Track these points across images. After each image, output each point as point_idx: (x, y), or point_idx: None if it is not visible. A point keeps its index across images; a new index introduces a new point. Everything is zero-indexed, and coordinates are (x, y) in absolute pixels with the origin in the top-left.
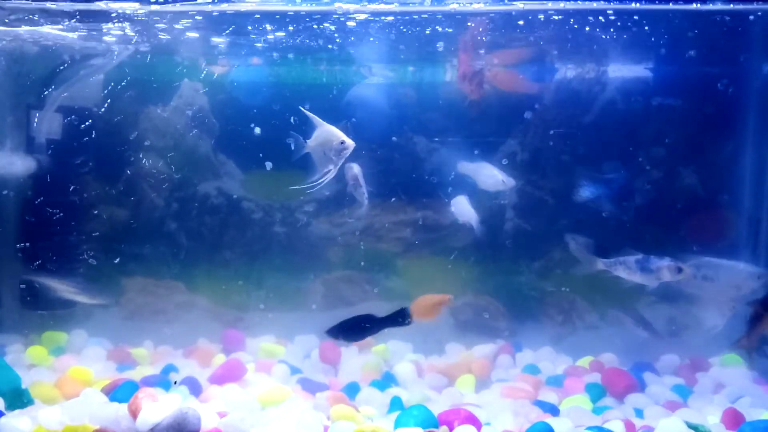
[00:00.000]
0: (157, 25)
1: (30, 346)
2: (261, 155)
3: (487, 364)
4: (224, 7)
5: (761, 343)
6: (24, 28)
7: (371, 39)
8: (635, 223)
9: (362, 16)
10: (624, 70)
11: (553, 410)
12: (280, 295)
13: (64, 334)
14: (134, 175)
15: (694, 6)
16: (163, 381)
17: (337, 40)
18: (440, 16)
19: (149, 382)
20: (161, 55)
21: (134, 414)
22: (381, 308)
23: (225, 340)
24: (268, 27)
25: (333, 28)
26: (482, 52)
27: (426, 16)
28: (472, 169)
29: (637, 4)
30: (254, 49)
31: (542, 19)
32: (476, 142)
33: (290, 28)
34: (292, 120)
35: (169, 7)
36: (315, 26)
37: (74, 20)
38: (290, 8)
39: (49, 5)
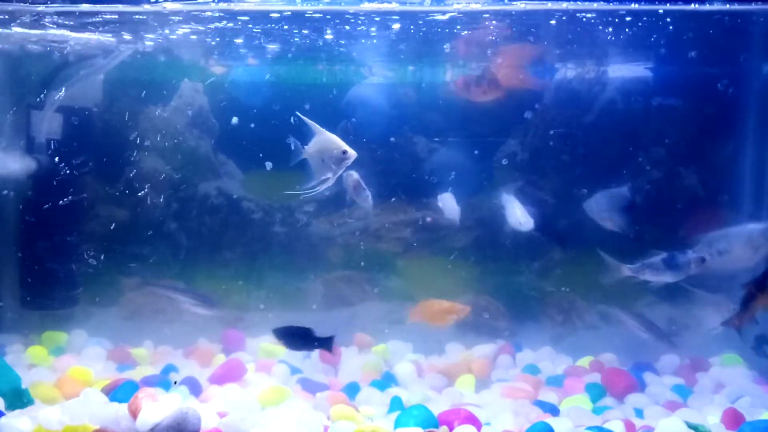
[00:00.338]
0: (156, 25)
1: (30, 346)
2: (261, 155)
3: (487, 364)
4: (224, 6)
5: (761, 342)
6: (21, 30)
7: (371, 38)
8: (635, 223)
9: (363, 14)
10: (624, 70)
11: (553, 410)
12: (280, 295)
13: (64, 334)
14: (134, 175)
15: (693, 6)
16: (163, 381)
17: (337, 40)
18: (441, 16)
19: (149, 382)
20: (161, 55)
21: (134, 414)
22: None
23: (225, 340)
24: (269, 26)
25: (333, 27)
26: (488, 53)
27: (426, 16)
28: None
29: (637, 5)
30: (254, 49)
31: (542, 19)
32: (477, 142)
33: (289, 27)
34: (291, 120)
35: (168, 6)
36: (315, 26)
37: (74, 20)
38: (290, 8)
39: (49, 6)
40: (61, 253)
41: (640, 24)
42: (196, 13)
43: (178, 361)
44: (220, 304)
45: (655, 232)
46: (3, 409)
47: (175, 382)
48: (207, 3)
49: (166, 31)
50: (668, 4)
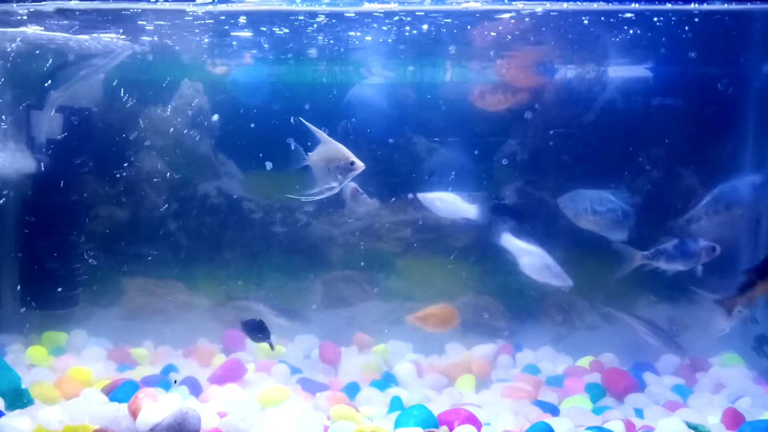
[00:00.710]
0: (156, 25)
1: (30, 346)
2: (261, 155)
3: (487, 364)
4: (224, 7)
5: (761, 342)
6: (21, 29)
7: (371, 39)
8: (635, 223)
9: (363, 14)
10: (626, 71)
11: (553, 410)
12: (280, 295)
13: (64, 334)
14: (134, 175)
15: (692, 6)
16: (163, 381)
17: (338, 40)
18: (441, 16)
19: (149, 382)
20: (161, 54)
21: (134, 414)
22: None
23: (225, 340)
24: (269, 26)
25: (333, 27)
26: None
27: (422, 14)
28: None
29: (637, 5)
30: (254, 49)
31: (542, 19)
32: (477, 141)
33: (288, 27)
34: (291, 120)
35: (168, 6)
36: (315, 25)
37: (74, 20)
38: (290, 8)
39: (49, 6)
40: (61, 253)
41: (641, 24)
42: (196, 12)
43: (178, 361)
44: (302, 317)
45: (654, 232)
46: (3, 409)
47: (175, 382)
48: (207, 3)
49: (166, 31)
50: (666, 4)
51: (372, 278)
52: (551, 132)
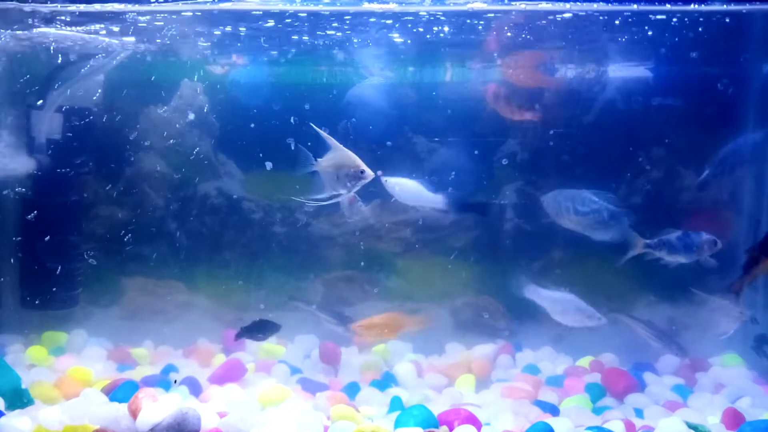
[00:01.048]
0: (156, 25)
1: (30, 346)
2: (261, 155)
3: (487, 364)
4: (224, 6)
5: (761, 342)
6: (21, 29)
7: (372, 38)
8: (634, 223)
9: (364, 14)
10: (626, 71)
11: (553, 410)
12: (280, 294)
13: (64, 334)
14: (134, 175)
15: (693, 6)
16: (163, 381)
17: (338, 40)
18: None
19: (149, 382)
20: (161, 54)
21: (134, 414)
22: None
23: (225, 340)
24: (269, 26)
25: (333, 27)
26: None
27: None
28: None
29: (637, 6)
30: (254, 48)
31: (543, 20)
32: (478, 141)
33: (288, 27)
34: (291, 120)
35: (168, 6)
36: (315, 26)
37: (74, 20)
38: (290, 8)
39: (49, 6)
40: (61, 253)
41: (643, 24)
42: (196, 12)
43: (178, 361)
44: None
45: (654, 232)
46: (3, 409)
47: (175, 382)
48: (207, 3)
49: (166, 31)
50: (666, 5)
51: (372, 278)
52: (557, 132)
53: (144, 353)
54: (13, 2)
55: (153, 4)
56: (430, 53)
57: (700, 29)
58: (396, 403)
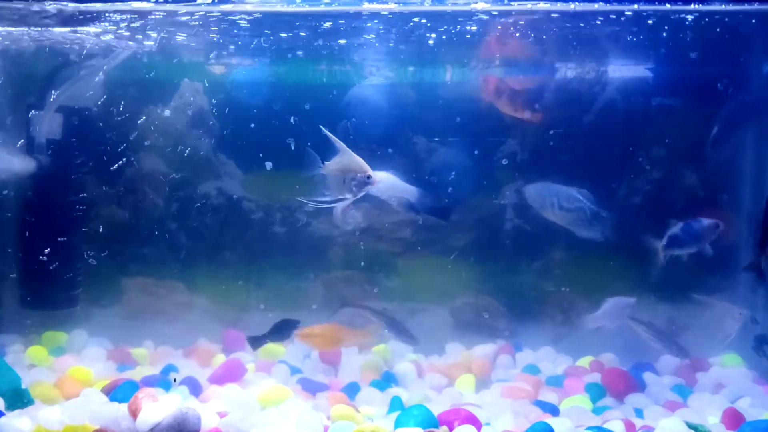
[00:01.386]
0: (156, 25)
1: (30, 346)
2: (261, 155)
3: (487, 364)
4: (223, 7)
5: (761, 342)
6: (21, 29)
7: (372, 39)
8: (635, 223)
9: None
10: (625, 71)
11: (553, 410)
12: (280, 295)
13: (64, 334)
14: (134, 175)
15: (692, 6)
16: (163, 381)
17: (338, 40)
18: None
19: (149, 382)
20: (161, 54)
21: (134, 414)
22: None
23: (225, 340)
24: (269, 26)
25: (334, 27)
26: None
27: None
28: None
29: (637, 6)
30: (254, 49)
31: (542, 19)
32: (478, 141)
33: (288, 27)
34: (292, 120)
35: (168, 7)
36: (315, 26)
37: (74, 20)
38: (290, 8)
39: (49, 5)
40: (61, 253)
41: (643, 24)
42: (196, 12)
43: (178, 361)
44: (411, 336)
45: (654, 232)
46: (3, 409)
47: (175, 380)
48: (207, 3)
49: (166, 32)
50: (666, 5)
51: (372, 278)
52: (556, 132)
53: (144, 353)
54: (18, 1)
55: (153, 4)
56: (430, 53)
57: (699, 29)
58: (396, 403)
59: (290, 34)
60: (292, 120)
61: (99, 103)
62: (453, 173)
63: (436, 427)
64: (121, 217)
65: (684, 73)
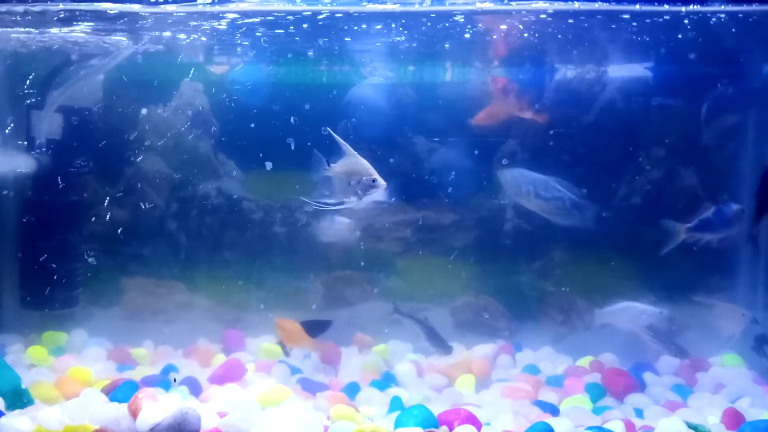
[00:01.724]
0: (156, 25)
1: (30, 346)
2: (261, 155)
3: (487, 364)
4: (223, 7)
5: (761, 342)
6: (21, 29)
7: (372, 39)
8: (635, 223)
9: (365, 14)
10: (625, 71)
11: (553, 410)
12: (280, 295)
13: (64, 334)
14: (134, 175)
15: (692, 7)
16: (163, 381)
17: (338, 40)
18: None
19: (149, 382)
20: (161, 54)
21: (134, 414)
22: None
23: (225, 340)
24: (269, 26)
25: (334, 27)
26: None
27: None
28: None
29: (638, 6)
30: (254, 49)
31: (542, 19)
32: (478, 141)
33: (288, 27)
34: (292, 120)
35: (168, 8)
36: (315, 26)
37: (74, 20)
38: (290, 8)
39: (49, 5)
40: (61, 253)
41: (643, 24)
42: (196, 13)
43: (178, 361)
44: (446, 346)
45: (654, 232)
46: (3, 409)
47: (175, 380)
48: (207, 3)
49: (166, 32)
50: (667, 5)
51: (372, 278)
52: (557, 132)
53: (144, 353)
54: (14, 1)
55: (152, 5)
56: (429, 53)
57: (699, 29)
58: (396, 403)
59: (291, 33)
60: (292, 120)
61: (99, 103)
62: (453, 173)
63: (436, 427)
64: (121, 217)
65: (684, 73)
